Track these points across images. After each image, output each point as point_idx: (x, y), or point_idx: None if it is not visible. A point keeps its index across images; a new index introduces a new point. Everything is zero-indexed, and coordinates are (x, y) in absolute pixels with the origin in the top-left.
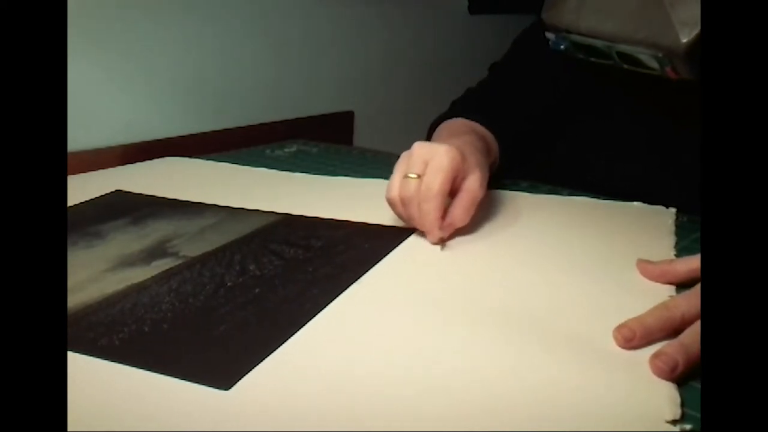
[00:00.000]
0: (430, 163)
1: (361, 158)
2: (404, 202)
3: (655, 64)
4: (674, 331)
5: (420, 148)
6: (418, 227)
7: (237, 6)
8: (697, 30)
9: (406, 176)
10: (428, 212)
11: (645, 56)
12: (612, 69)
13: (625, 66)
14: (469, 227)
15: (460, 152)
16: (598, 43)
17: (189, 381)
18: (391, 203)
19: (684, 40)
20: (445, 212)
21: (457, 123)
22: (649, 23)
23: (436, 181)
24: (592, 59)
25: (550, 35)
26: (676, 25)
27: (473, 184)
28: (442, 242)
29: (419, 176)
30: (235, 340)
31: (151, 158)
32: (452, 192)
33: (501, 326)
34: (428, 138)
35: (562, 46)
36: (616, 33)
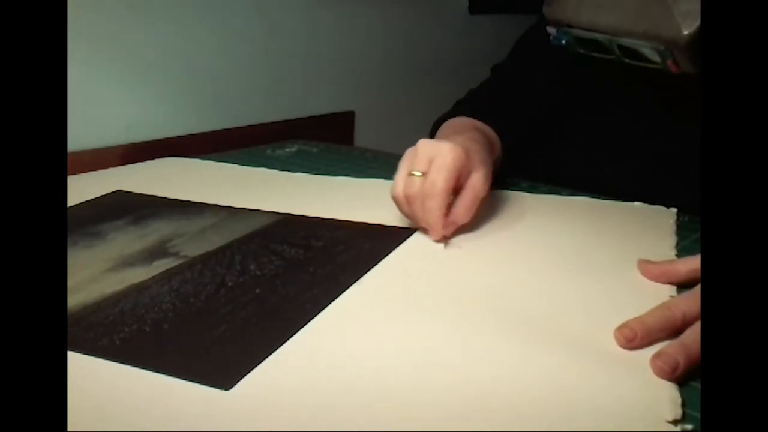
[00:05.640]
0: (434, 160)
1: (361, 158)
2: (409, 199)
3: (656, 58)
4: (675, 331)
5: (424, 146)
6: (421, 225)
7: (237, 6)
8: (698, 22)
9: (410, 174)
10: (432, 210)
11: (647, 50)
12: (612, 64)
13: (627, 60)
14: (470, 227)
15: (464, 150)
16: (600, 36)
17: (190, 381)
18: (396, 201)
19: (686, 32)
20: (448, 210)
21: (461, 120)
22: (650, 16)
23: (439, 179)
24: (594, 54)
25: (551, 30)
26: (677, 17)
27: (477, 182)
28: (445, 240)
29: (423, 174)
30: (236, 340)
31: (151, 158)
32: (456, 189)
33: (501, 326)
34: (431, 137)
35: (563, 41)
36: (617, 26)
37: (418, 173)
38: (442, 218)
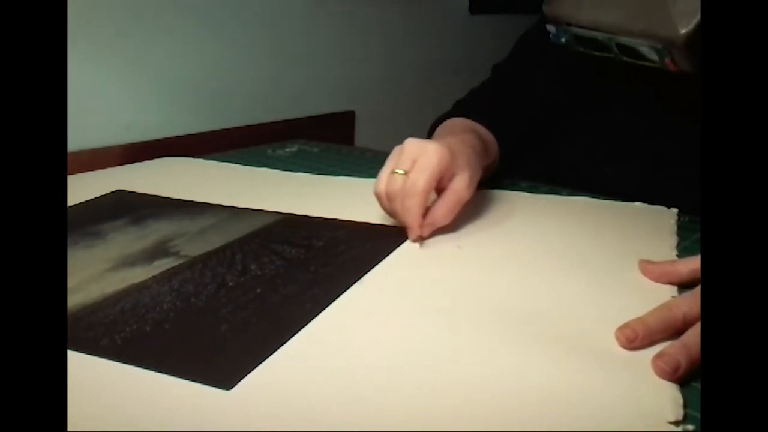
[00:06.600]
0: (418, 160)
1: (361, 158)
2: (389, 197)
3: (654, 56)
4: (676, 331)
5: (410, 145)
6: (400, 223)
7: (237, 6)
8: (695, 20)
9: (393, 172)
10: (410, 209)
11: (644, 48)
12: (613, 63)
13: (625, 58)
14: (469, 227)
15: (449, 151)
16: (599, 35)
17: (190, 381)
18: (377, 197)
19: (682, 31)
20: (428, 210)
21: (458, 122)
22: (648, 14)
23: (421, 178)
24: (593, 52)
25: (550, 28)
26: (674, 15)
27: (460, 185)
28: (421, 240)
29: (406, 173)
30: (237, 340)
31: (151, 158)
32: (439, 190)
33: (502, 326)
34: (429, 137)
35: (562, 39)
36: (616, 24)
37: (401, 171)
38: (419, 218)
